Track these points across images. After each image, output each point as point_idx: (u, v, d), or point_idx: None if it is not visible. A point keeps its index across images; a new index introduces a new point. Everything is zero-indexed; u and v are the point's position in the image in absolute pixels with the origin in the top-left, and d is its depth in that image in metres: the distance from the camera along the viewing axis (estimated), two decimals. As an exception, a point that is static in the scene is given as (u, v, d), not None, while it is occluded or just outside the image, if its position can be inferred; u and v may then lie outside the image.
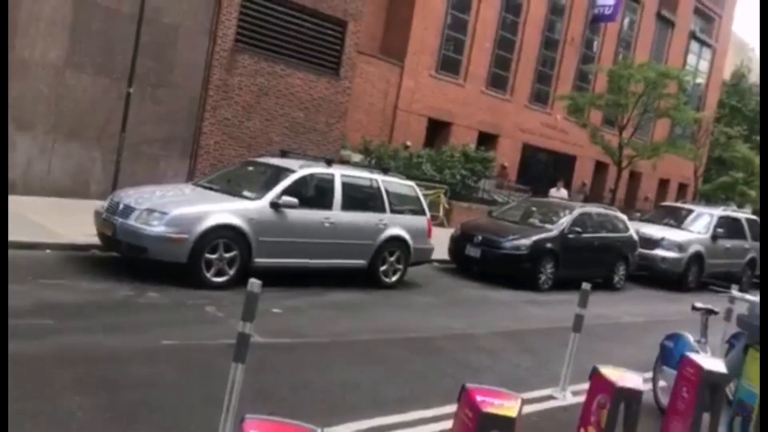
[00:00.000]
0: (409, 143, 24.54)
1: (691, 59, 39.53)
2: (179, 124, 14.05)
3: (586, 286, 6.47)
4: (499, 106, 30.19)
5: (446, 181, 20.48)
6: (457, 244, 12.92)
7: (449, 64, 28.10)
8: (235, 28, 14.45)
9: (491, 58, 29.59)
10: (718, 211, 17.23)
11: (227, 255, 8.22)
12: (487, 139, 29.50)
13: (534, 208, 14.34)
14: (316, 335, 7.07)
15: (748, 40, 64.56)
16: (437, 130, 27.69)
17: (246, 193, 8.86)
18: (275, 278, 8.90)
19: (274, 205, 8.61)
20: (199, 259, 7.98)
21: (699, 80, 40.60)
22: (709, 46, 41.27)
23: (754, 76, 55.44)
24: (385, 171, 10.52)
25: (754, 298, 5.61)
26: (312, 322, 7.61)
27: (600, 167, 34.35)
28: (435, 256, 13.07)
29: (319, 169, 9.44)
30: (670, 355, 6.13)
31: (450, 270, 13.06)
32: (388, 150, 21.86)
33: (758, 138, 44.88)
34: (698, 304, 6.21)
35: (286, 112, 15.57)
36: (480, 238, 12.56)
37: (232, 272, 8.25)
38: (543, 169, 34.12)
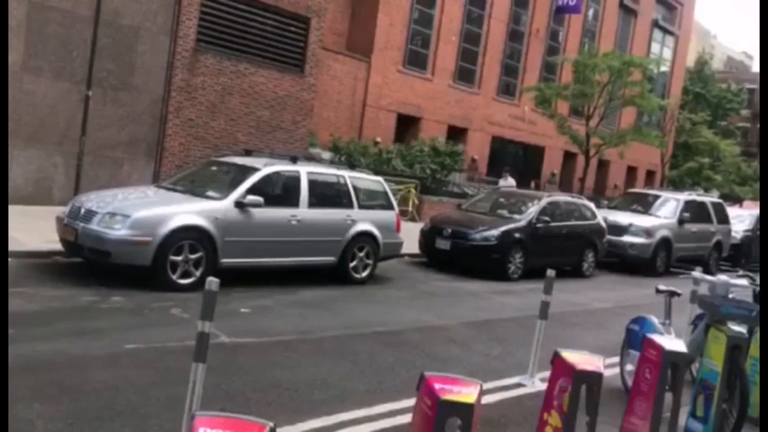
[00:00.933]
0: (378, 139, 24.55)
1: (655, 48, 40.04)
2: (142, 127, 13.87)
3: (550, 273, 6.51)
4: (468, 100, 30.33)
5: (416, 176, 20.51)
6: (427, 238, 12.95)
7: (416, 58, 28.14)
8: (196, 28, 14.30)
9: (458, 52, 29.71)
10: (684, 196, 17.48)
11: (193, 256, 8.13)
12: (456, 133, 29.61)
13: (502, 200, 14.42)
14: (284, 333, 7.02)
15: (709, 27, 65.55)
16: (407, 125, 27.72)
17: (210, 193, 8.77)
18: (244, 278, 8.87)
19: (239, 205, 8.54)
20: (164, 262, 7.88)
21: (663, 68, 41.16)
22: (671, 34, 41.84)
23: (717, 62, 56.39)
24: (352, 167, 10.49)
25: (715, 278, 5.68)
26: (280, 320, 7.56)
27: (569, 157, 34.69)
28: (406, 250, 13.13)
29: (284, 167, 9.38)
30: (636, 338, 6.18)
31: (421, 264, 13.07)
32: (357, 147, 21.84)
33: (722, 123, 45.75)
34: (661, 287, 6.29)
35: (251, 110, 15.46)
36: (449, 230, 12.60)
37: (198, 274, 8.16)
38: (513, 160, 34.30)
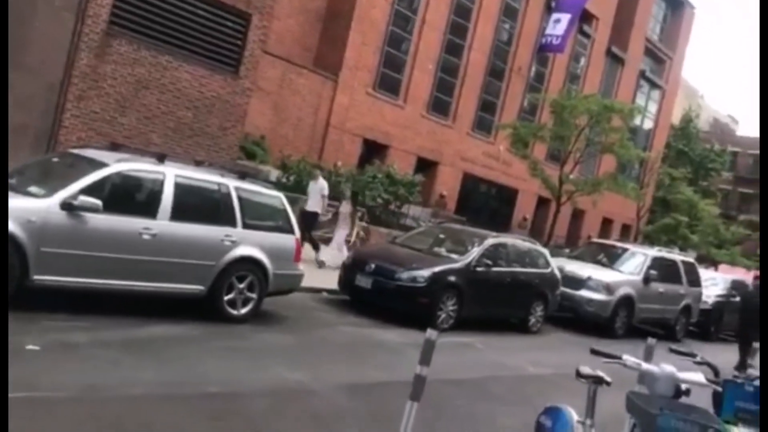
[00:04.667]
0: (340, 163, 22.69)
1: (640, 99, 38.86)
2: (32, 113, 11.92)
3: (430, 334, 4.58)
4: (441, 132, 28.73)
5: (365, 204, 18.64)
6: (347, 272, 11.01)
7: (388, 83, 26.52)
8: (110, 8, 12.46)
9: (433, 81, 28.17)
10: (653, 252, 15.71)
11: (-13, 268, 6.14)
12: (426, 166, 27.95)
13: (443, 236, 12.52)
14: (61, 388, 4.99)
15: (697, 86, 65.16)
16: (373, 151, 25.99)
17: (34, 189, 6.79)
18: (75, 304, 6.87)
19: (68, 207, 6.55)
20: (-58, 273, 5.88)
21: (647, 121, 40.00)
22: (658, 87, 40.80)
23: (702, 122, 55.59)
24: (243, 176, 8.53)
25: (655, 368, 3.77)
26: (75, 366, 5.53)
27: (543, 202, 33.08)
28: (329, 285, 11.29)
29: (143, 166, 7.41)
30: (545, 439, 4.28)
31: (341, 303, 11.11)
32: (307, 166, 19.99)
33: (703, 183, 44.54)
34: (584, 369, 4.34)
35: (170, 110, 13.56)
36: (373, 266, 10.66)
37: (-8, 291, 6.16)
38: (484, 200, 32.76)
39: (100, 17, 12.32)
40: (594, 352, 4.09)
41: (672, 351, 4.72)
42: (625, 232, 37.39)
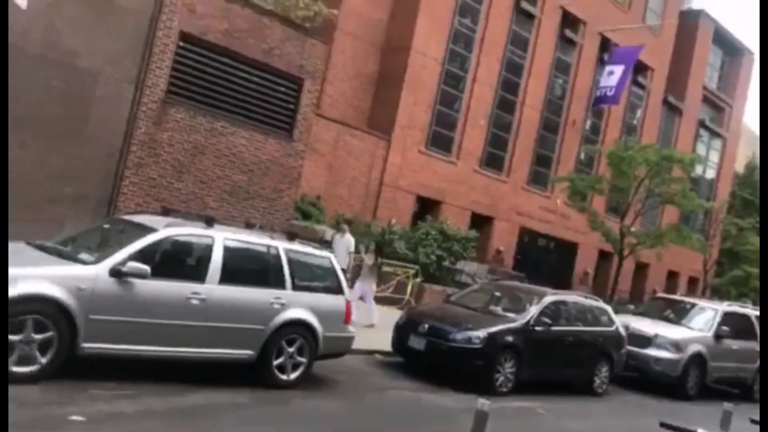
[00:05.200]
0: (394, 221, 22.66)
1: (701, 148, 37.83)
2: (92, 182, 12.23)
3: (482, 404, 4.27)
4: (495, 187, 28.47)
5: (419, 261, 18.41)
6: (400, 333, 10.74)
7: (440, 140, 26.57)
8: (167, 78, 12.83)
9: (486, 137, 28.09)
10: (723, 306, 14.89)
11: (38, 336, 6.14)
12: (481, 221, 27.63)
13: (499, 293, 12.13)
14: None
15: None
16: (427, 208, 25.90)
17: (84, 256, 6.85)
18: (120, 370, 6.82)
19: (117, 273, 6.57)
20: (-3, 341, 5.91)
21: (709, 170, 38.84)
22: (719, 136, 39.73)
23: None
24: (292, 237, 8.47)
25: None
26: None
27: (605, 256, 32.15)
28: (382, 346, 11.00)
29: (191, 230, 7.43)
30: None
31: (394, 365, 10.81)
32: (361, 225, 20.00)
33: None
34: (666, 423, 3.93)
35: (226, 174, 13.76)
36: (426, 326, 10.37)
37: (44, 360, 6.16)
38: (542, 255, 32.02)
39: (158, 87, 12.70)
40: (663, 425, 3.72)
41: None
42: (692, 286, 35.93)
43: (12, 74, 11.18)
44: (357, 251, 15.73)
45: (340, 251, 14.09)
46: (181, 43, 12.93)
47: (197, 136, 13.35)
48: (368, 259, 14.35)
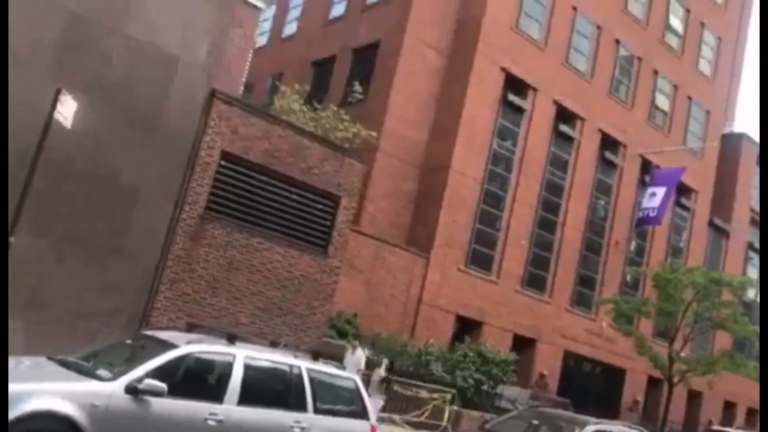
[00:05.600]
0: (432, 340, 22.13)
1: (752, 271, 36.66)
2: (127, 297, 12.32)
3: None
4: (537, 308, 27.76)
5: (456, 385, 17.73)
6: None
7: (480, 259, 26.32)
8: (207, 195, 13.17)
9: (527, 257, 27.74)
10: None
11: (48, 456, 5.95)
12: (523, 344, 26.76)
13: (537, 421, 11.47)
14: None
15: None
16: (467, 328, 25.26)
17: (101, 372, 6.72)
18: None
19: (132, 390, 6.41)
20: (1, 461, 5.72)
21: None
22: (771, 258, 38.56)
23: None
24: (316, 356, 8.23)
25: None
26: None
27: (655, 383, 30.56)
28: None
29: (213, 347, 7.28)
30: None
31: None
32: (396, 344, 19.53)
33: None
34: None
35: (259, 290, 13.75)
36: (458, 456, 9.80)
37: (52, 483, 5.93)
38: (588, 380, 30.62)
39: (197, 204, 13.01)
40: None
41: None
42: (752, 417, 33.67)
43: (57, 190, 11.63)
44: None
45: (351, 368, 13.71)
46: (222, 162, 13.35)
47: (233, 252, 13.48)
48: (376, 375, 13.90)
